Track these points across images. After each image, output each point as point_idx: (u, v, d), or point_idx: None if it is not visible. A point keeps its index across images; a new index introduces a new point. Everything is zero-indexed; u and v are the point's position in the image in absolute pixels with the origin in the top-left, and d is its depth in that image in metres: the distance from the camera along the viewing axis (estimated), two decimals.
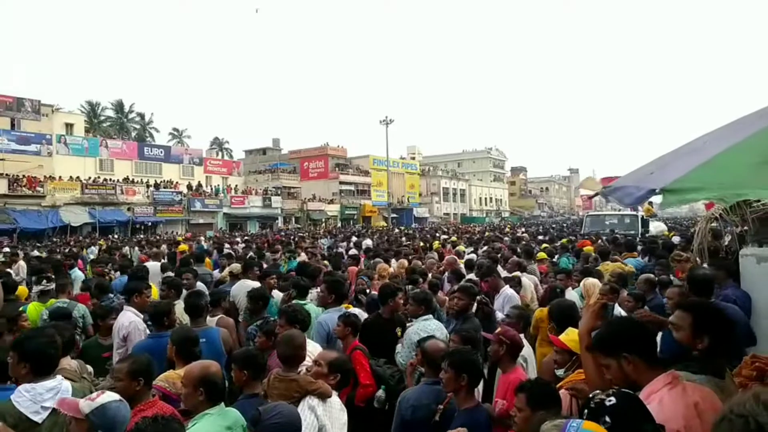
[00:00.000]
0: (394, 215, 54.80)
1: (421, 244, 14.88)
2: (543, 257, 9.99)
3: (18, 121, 35.60)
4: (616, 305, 5.11)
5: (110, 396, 2.39)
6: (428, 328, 4.31)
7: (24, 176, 32.19)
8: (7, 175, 31.57)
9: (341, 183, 54.59)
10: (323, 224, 46.71)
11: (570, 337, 3.23)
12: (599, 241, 13.44)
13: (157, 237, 28.45)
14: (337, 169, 55.49)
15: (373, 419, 3.83)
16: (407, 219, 56.80)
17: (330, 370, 3.17)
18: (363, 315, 5.10)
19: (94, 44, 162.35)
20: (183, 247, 14.89)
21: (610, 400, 1.79)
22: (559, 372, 3.24)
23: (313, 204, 50.34)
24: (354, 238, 19.67)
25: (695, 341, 2.36)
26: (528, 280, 7.12)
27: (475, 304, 5.18)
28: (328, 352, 3.47)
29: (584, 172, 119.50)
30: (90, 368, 3.82)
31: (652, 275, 6.23)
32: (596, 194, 3.63)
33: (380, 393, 3.86)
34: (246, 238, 24.02)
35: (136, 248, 17.82)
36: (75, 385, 3.02)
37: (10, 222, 29.32)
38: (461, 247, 12.90)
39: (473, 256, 10.26)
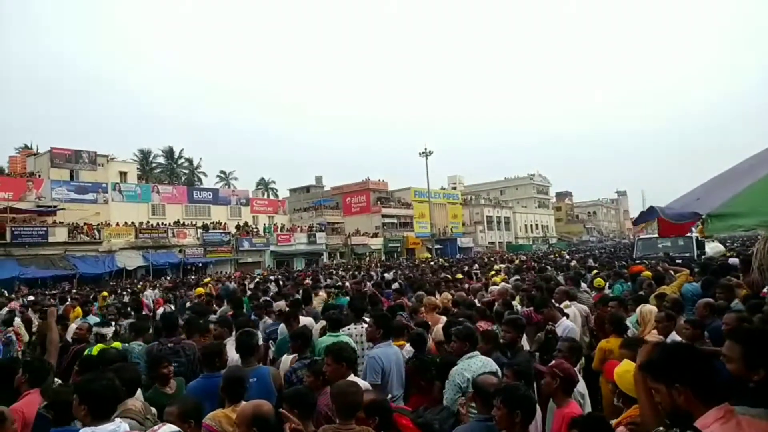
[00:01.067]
0: (438, 246, 54.57)
1: (459, 275, 14.53)
2: (601, 284, 9.70)
3: (76, 171, 37.73)
4: (674, 333, 4.91)
5: (170, 428, 2.56)
6: (472, 366, 4.09)
7: (85, 224, 33.89)
8: (67, 223, 33.31)
9: (384, 216, 54.93)
10: (368, 258, 46.95)
11: (620, 368, 3.13)
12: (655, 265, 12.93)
13: (209, 276, 29.18)
14: (379, 202, 55.99)
15: None
16: (451, 249, 56.38)
17: (367, 413, 3.11)
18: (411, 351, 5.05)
19: (144, 94, 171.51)
20: (200, 290, 14.49)
21: None
22: (618, 402, 3.14)
23: (357, 238, 50.70)
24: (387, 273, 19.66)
25: (749, 373, 2.20)
26: (577, 310, 6.89)
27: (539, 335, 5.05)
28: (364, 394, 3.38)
29: (632, 194, 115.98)
30: (154, 410, 3.89)
31: (711, 300, 5.96)
32: (641, 216, 3.53)
33: None
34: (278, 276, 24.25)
35: (156, 290, 17.94)
36: (135, 427, 3.11)
37: (70, 268, 30.76)
38: (498, 278, 12.55)
39: (507, 285, 10.04)
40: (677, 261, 13.41)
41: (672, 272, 9.12)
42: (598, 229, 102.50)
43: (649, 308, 6.02)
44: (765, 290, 5.89)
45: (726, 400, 2.05)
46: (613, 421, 2.87)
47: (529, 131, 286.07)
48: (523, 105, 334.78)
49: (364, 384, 3.95)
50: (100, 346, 5.88)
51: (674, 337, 4.85)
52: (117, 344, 5.84)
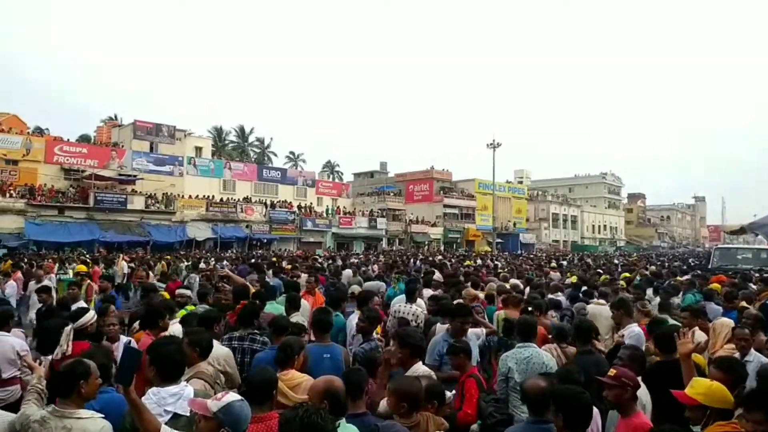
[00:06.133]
0: (499, 240, 53.59)
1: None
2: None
3: (156, 144, 39.79)
4: (753, 351, 4.56)
5: (234, 396, 2.58)
6: (518, 356, 4.33)
7: (163, 195, 35.76)
8: (144, 192, 35.20)
9: (445, 206, 54.46)
10: (426, 247, 46.79)
11: (697, 390, 2.92)
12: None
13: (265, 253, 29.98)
14: (441, 192, 55.53)
15: None
16: (513, 244, 55.28)
17: (398, 398, 3.13)
18: None
19: (221, 74, 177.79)
20: (81, 267, 12.95)
21: None
22: (696, 429, 2.93)
23: (417, 226, 50.64)
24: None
25: None
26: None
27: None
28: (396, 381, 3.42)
29: (711, 200, 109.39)
30: (223, 378, 4.03)
31: None
32: (741, 230, 3.28)
33: (475, 427, 3.87)
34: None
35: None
36: (199, 393, 3.19)
37: (145, 235, 32.54)
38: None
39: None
40: (762, 275, 12.42)
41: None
42: (671, 235, 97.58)
43: (722, 321, 5.68)
44: None
45: None
46: None
47: (605, 130, 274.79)
48: (599, 102, 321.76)
49: (423, 370, 3.99)
50: (191, 307, 6.18)
51: (754, 354, 4.52)
52: (191, 307, 6.06)
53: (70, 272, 13.10)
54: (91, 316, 4.41)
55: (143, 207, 34.28)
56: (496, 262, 22.57)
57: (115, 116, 53.09)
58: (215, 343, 4.37)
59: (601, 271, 14.96)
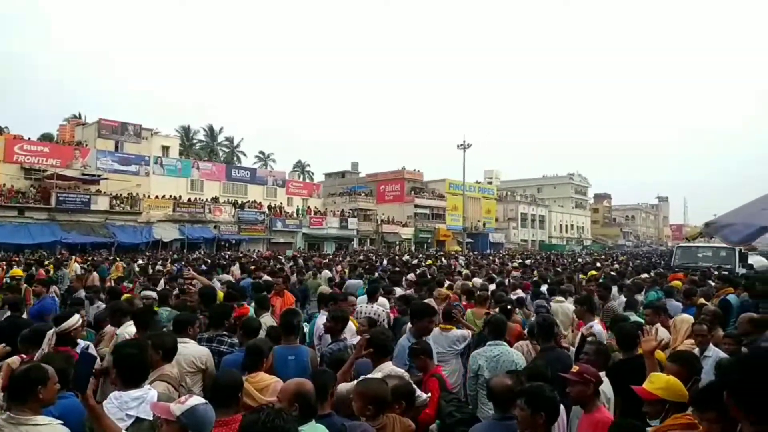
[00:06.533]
0: (469, 240, 54.09)
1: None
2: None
3: (121, 143, 38.72)
4: (712, 346, 4.71)
5: (198, 399, 2.55)
6: (488, 353, 4.45)
7: (128, 195, 34.89)
8: (109, 193, 34.27)
9: (416, 206, 54.69)
10: (398, 247, 46.92)
11: (657, 384, 2.99)
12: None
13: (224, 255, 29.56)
14: (412, 192, 55.76)
15: None
16: (482, 244, 55.87)
17: (393, 399, 3.13)
18: None
19: (190, 73, 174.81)
20: (16, 272, 12.70)
21: None
22: (654, 423, 3.00)
23: (388, 227, 50.73)
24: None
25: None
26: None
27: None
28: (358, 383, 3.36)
29: (674, 200, 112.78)
30: (188, 380, 3.98)
31: (754, 314, 5.69)
32: (699, 235, 3.38)
33: (433, 427, 3.85)
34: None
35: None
36: (162, 396, 3.14)
37: (109, 236, 31.72)
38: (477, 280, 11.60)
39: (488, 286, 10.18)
40: (721, 273, 12.84)
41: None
42: (635, 234, 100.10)
43: (682, 317, 5.84)
44: None
45: None
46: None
47: (572, 130, 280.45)
48: (567, 104, 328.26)
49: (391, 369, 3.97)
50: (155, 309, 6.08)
51: (712, 349, 4.67)
52: (156, 308, 5.98)
53: None
54: (75, 320, 4.21)
55: (108, 207, 33.39)
56: (457, 261, 22.98)
57: (79, 114, 51.61)
58: (193, 343, 4.36)
59: (560, 270, 15.52)
